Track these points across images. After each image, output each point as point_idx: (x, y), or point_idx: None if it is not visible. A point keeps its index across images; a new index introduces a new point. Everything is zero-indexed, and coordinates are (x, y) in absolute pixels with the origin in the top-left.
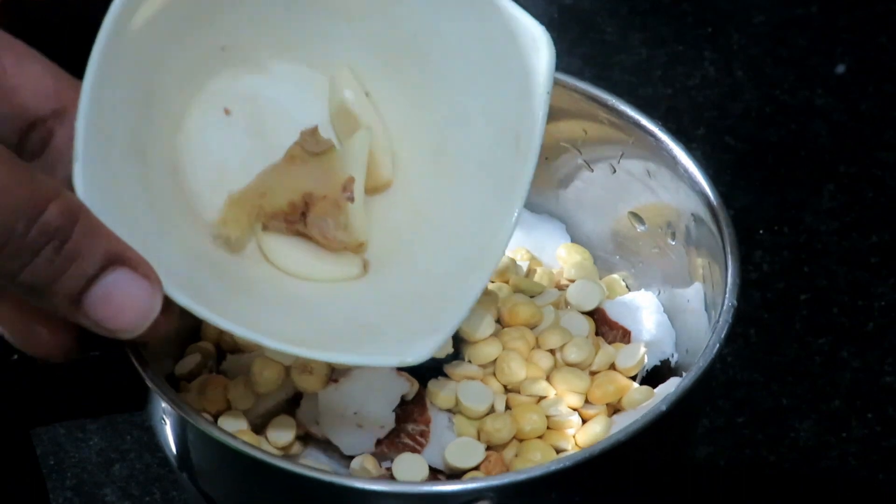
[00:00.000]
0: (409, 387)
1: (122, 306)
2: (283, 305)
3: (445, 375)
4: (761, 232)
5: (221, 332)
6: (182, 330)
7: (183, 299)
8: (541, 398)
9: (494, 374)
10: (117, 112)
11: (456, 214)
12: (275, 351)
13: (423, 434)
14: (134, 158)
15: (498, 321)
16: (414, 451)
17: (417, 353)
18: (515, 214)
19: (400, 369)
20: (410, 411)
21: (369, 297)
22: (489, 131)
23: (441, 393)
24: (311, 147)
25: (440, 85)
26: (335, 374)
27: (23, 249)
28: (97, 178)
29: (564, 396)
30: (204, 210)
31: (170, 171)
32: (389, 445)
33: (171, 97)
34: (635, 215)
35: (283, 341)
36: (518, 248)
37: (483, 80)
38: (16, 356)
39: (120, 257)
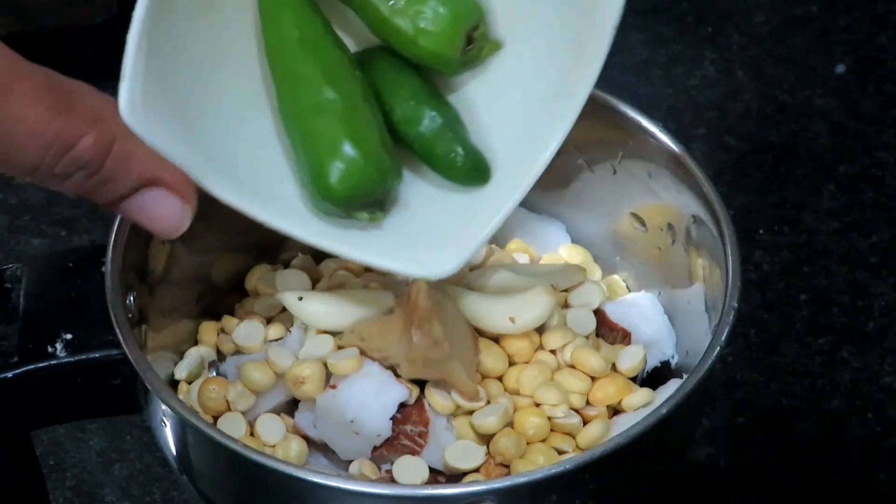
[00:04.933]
0: (408, 394)
1: (153, 217)
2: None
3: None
4: (761, 232)
5: (220, 335)
6: (181, 332)
7: (226, 195)
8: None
9: (500, 379)
10: (177, 25)
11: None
12: (305, 243)
13: (422, 435)
14: (205, 58)
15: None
16: (413, 452)
17: (442, 268)
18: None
19: (398, 376)
20: (409, 412)
21: (406, 207)
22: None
23: (440, 398)
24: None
25: None
26: (333, 379)
27: (50, 177)
28: (148, 94)
29: (566, 398)
30: None
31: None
32: (388, 447)
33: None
34: (636, 216)
35: (314, 234)
36: (514, 241)
37: None
38: (16, 358)
39: (154, 180)
